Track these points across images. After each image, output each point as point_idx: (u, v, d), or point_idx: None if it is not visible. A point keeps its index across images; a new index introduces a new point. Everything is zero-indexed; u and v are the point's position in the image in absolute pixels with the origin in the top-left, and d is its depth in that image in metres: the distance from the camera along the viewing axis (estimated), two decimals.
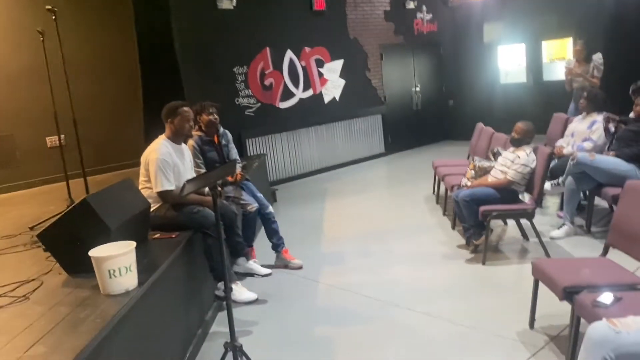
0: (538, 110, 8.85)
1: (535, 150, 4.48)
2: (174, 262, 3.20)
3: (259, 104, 8.35)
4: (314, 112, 9.12)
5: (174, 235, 3.50)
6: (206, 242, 3.60)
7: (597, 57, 7.16)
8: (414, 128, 10.94)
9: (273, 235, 4.79)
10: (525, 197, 4.75)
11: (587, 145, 5.20)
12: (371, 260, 4.84)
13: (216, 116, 4.72)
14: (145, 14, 6.41)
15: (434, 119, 11.21)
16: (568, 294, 2.77)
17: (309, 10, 8.92)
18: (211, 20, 7.69)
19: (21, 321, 2.33)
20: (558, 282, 2.86)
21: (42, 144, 6.36)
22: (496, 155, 4.94)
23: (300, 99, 8.96)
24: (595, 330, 2.12)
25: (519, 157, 4.44)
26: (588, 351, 2.12)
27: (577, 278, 2.84)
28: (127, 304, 2.44)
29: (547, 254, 4.36)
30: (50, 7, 4.37)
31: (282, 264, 4.78)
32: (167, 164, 3.56)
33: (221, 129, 4.86)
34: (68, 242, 2.83)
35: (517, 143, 4.55)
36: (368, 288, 4.18)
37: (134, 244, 2.62)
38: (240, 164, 4.81)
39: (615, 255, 3.12)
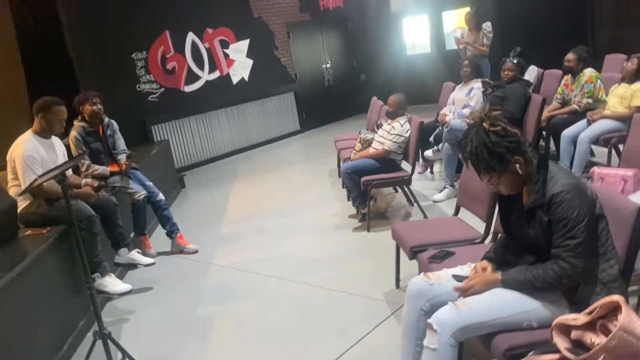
0: (442, 80, 9.20)
1: (409, 121, 4.71)
2: (41, 257, 3.20)
3: (162, 89, 8.24)
4: (222, 94, 9.08)
5: (44, 231, 3.48)
6: (80, 235, 3.59)
7: (487, 26, 7.50)
8: (327, 104, 11.11)
9: (166, 222, 4.83)
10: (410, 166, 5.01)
11: (466, 111, 5.50)
12: (267, 237, 4.99)
13: (100, 106, 4.65)
14: (31, 9, 6.17)
15: (346, 94, 11.40)
16: (414, 252, 3.01)
17: None
18: (102, 5, 7.46)
19: None
20: (407, 242, 3.09)
21: None
22: (379, 127, 5.16)
23: (207, 81, 8.90)
24: (413, 285, 2.33)
25: (393, 128, 4.67)
26: (408, 304, 2.33)
27: (422, 237, 3.08)
28: None
29: (425, 217, 4.64)
30: None
31: (178, 249, 4.84)
32: (34, 160, 3.51)
33: (106, 119, 4.80)
34: None
35: (392, 115, 4.77)
36: (257, 264, 4.33)
37: None
38: (127, 154, 4.78)
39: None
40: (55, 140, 3.84)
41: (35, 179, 3.00)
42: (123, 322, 3.66)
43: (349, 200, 5.58)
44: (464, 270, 2.35)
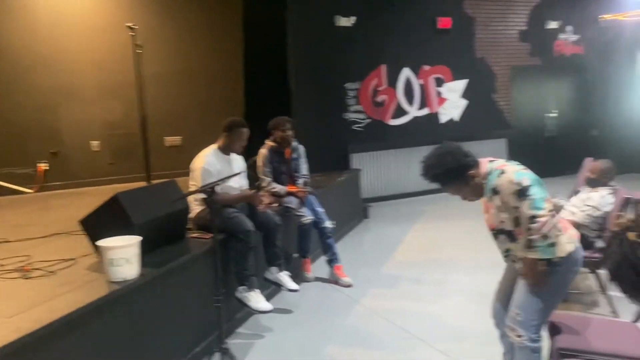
0: None
1: (615, 194, 3.96)
2: (196, 260, 3.49)
3: (368, 120, 8.46)
4: (428, 131, 8.91)
5: (207, 237, 3.78)
6: (235, 246, 3.82)
7: None
8: (545, 156, 10.07)
9: (327, 250, 4.90)
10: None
11: None
12: (424, 289, 4.70)
13: (289, 132, 4.94)
14: (260, 29, 6.90)
15: (570, 148, 10.16)
16: (562, 356, 2.47)
17: (432, 28, 8.79)
18: (327, 37, 7.99)
19: (32, 291, 2.78)
20: (556, 340, 2.56)
21: (160, 143, 7.25)
22: (577, 194, 4.45)
23: (414, 117, 8.86)
24: None
25: (589, 199, 3.97)
26: None
27: (577, 340, 2.52)
28: (116, 290, 2.77)
29: (614, 312, 3.83)
30: (130, 24, 5.01)
31: (333, 279, 4.86)
32: (208, 173, 3.82)
33: (295, 143, 5.08)
34: (101, 231, 3.22)
35: (592, 183, 4.07)
36: (402, 317, 4.09)
37: (137, 239, 2.95)
38: (305, 180, 4.97)
39: None
40: (235, 156, 4.16)
41: (192, 190, 3.29)
42: (256, 339, 3.78)
43: None
44: None
